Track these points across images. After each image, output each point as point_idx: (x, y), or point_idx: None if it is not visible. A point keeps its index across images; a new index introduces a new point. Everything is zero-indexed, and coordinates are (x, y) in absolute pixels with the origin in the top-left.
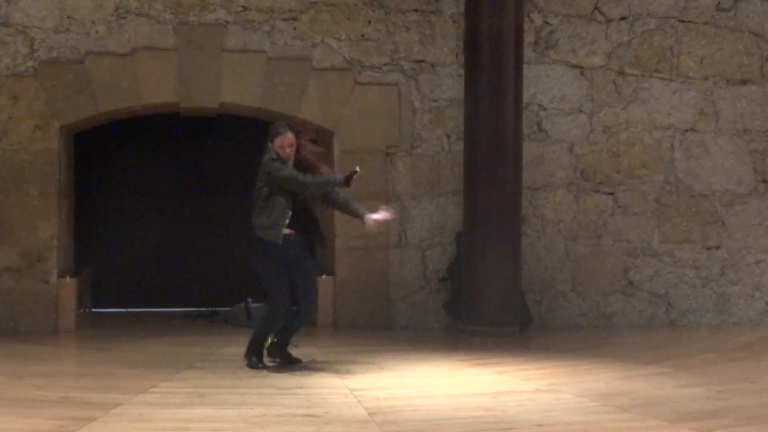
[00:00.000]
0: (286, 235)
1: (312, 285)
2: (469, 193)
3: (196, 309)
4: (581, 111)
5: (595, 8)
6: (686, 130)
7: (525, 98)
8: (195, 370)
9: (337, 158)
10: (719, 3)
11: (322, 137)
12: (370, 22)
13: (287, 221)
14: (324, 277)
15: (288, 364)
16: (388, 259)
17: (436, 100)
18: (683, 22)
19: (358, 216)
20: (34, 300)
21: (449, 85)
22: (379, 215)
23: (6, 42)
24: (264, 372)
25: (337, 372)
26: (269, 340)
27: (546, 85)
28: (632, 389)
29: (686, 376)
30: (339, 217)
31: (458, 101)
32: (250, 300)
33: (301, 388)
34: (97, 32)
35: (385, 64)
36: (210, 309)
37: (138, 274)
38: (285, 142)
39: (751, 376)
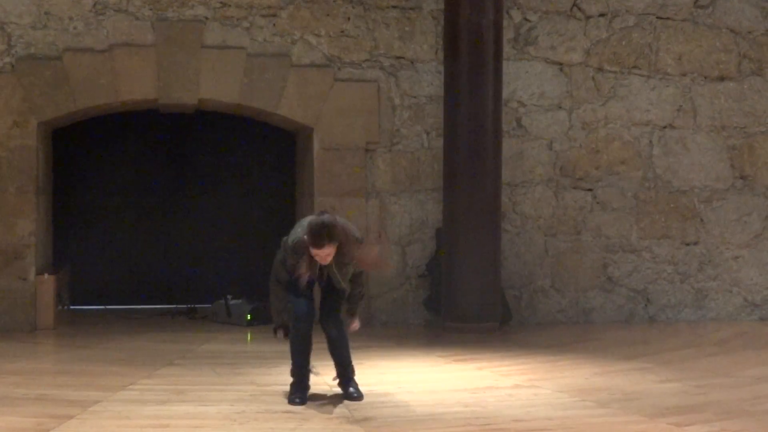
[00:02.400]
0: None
1: (334, 301)
2: (449, 190)
3: (175, 306)
4: (560, 107)
5: (574, 5)
6: (664, 127)
7: (504, 94)
8: (174, 367)
9: (317, 155)
10: (697, 0)
11: (303, 134)
12: (349, 18)
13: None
14: None
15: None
16: None
17: (415, 97)
18: (661, 18)
19: (348, 310)
20: (11, 297)
21: (429, 81)
22: (354, 325)
23: None
24: (245, 369)
25: (317, 368)
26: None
27: (525, 81)
28: (611, 384)
29: (665, 372)
30: None
31: (438, 98)
32: (229, 297)
33: (281, 384)
34: (75, 28)
35: (365, 61)
36: (189, 306)
37: (117, 271)
38: (321, 253)
39: (729, 371)
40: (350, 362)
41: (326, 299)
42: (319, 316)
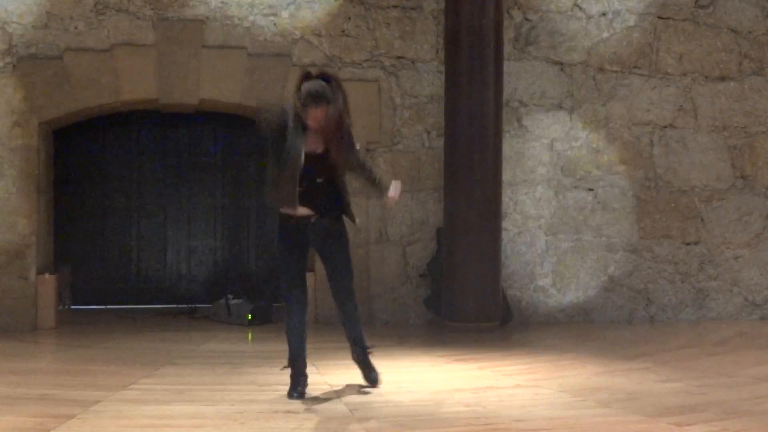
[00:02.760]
0: (305, 218)
1: (341, 267)
2: (450, 189)
3: (176, 305)
4: (561, 107)
5: (575, 5)
6: (665, 127)
7: (505, 94)
8: (175, 366)
9: None
10: (698, 0)
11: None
12: (350, 18)
13: (297, 197)
14: None
15: (365, 378)
16: (368, 255)
17: (416, 97)
18: (662, 18)
19: (381, 192)
20: (12, 297)
21: (429, 81)
22: (393, 191)
23: None
24: (245, 368)
25: (318, 368)
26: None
27: (526, 81)
28: (612, 384)
29: (665, 371)
30: None
31: (438, 97)
32: (230, 296)
33: (281, 384)
34: (76, 28)
35: (366, 60)
36: (190, 305)
37: (118, 271)
38: (318, 115)
39: (730, 371)
40: (363, 339)
41: (334, 273)
42: (332, 293)
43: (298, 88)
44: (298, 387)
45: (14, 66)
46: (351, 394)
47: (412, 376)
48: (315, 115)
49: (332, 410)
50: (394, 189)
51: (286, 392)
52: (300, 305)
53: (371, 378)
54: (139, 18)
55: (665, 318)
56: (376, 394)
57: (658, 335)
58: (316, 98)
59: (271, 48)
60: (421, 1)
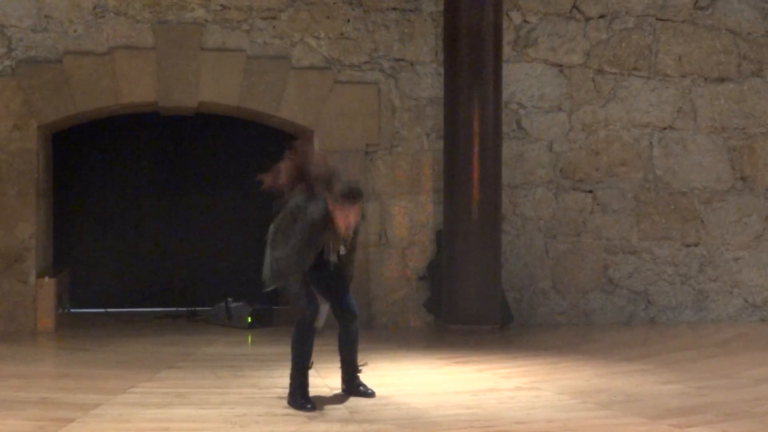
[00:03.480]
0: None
1: (350, 297)
2: (449, 192)
3: (176, 309)
4: (560, 109)
5: (574, 6)
6: (665, 128)
7: (504, 96)
8: (175, 370)
9: None
10: (697, 1)
11: (303, 137)
12: (349, 20)
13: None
14: None
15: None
16: (368, 258)
17: (415, 99)
18: (661, 20)
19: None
20: (12, 300)
21: (429, 83)
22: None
23: None
24: (245, 372)
25: (318, 371)
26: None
27: (525, 83)
28: (612, 386)
29: (665, 373)
30: None
31: (438, 100)
32: (230, 299)
33: (282, 387)
34: (75, 31)
35: (365, 63)
36: (190, 309)
37: (117, 274)
38: (352, 211)
39: (730, 373)
40: (357, 361)
41: (338, 291)
42: (336, 310)
43: (326, 180)
44: (306, 396)
45: (13, 69)
46: (351, 397)
47: (412, 379)
48: (346, 212)
49: (333, 413)
50: (319, 319)
51: (286, 396)
52: (313, 326)
53: (367, 393)
54: (138, 21)
55: (665, 320)
56: (376, 397)
57: (658, 337)
58: (357, 194)
59: (270, 50)
60: (420, 4)
